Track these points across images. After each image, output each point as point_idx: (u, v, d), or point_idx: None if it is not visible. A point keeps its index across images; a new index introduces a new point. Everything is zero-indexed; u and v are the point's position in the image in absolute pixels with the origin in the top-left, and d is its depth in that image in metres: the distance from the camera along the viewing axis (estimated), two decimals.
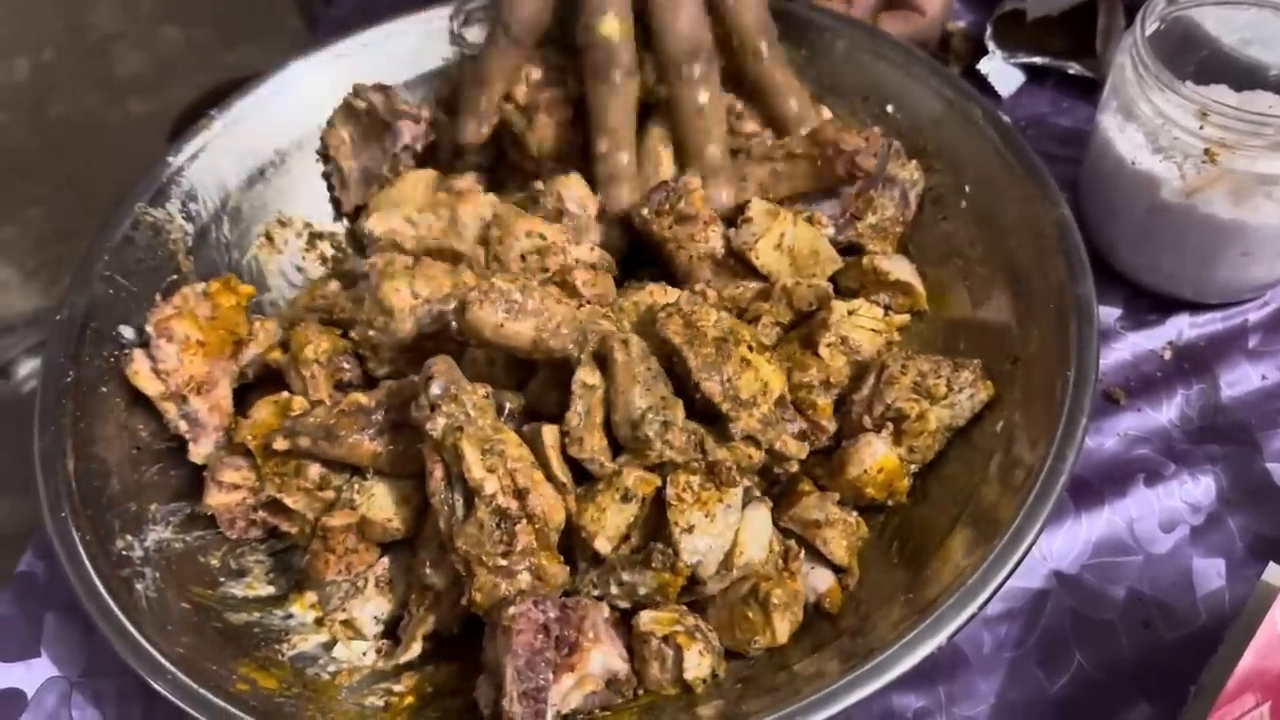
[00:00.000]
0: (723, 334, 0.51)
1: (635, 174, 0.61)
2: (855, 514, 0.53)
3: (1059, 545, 0.56)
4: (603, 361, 0.51)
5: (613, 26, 0.58)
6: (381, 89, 0.67)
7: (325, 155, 0.68)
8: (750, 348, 0.51)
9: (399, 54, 0.69)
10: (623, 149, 0.60)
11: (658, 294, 0.56)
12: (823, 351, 0.55)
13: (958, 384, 0.52)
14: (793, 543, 0.52)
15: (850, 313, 0.57)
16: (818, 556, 0.52)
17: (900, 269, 0.59)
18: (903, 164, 0.61)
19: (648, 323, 0.53)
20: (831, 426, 0.54)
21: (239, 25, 1.90)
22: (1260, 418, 0.60)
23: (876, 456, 0.52)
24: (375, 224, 0.61)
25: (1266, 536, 0.56)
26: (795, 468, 0.54)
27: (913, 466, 0.54)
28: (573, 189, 0.60)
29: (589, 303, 0.56)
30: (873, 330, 0.57)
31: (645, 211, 0.58)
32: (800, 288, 0.56)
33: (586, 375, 0.50)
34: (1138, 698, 0.51)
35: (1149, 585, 0.55)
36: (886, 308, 0.59)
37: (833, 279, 0.60)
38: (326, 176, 0.68)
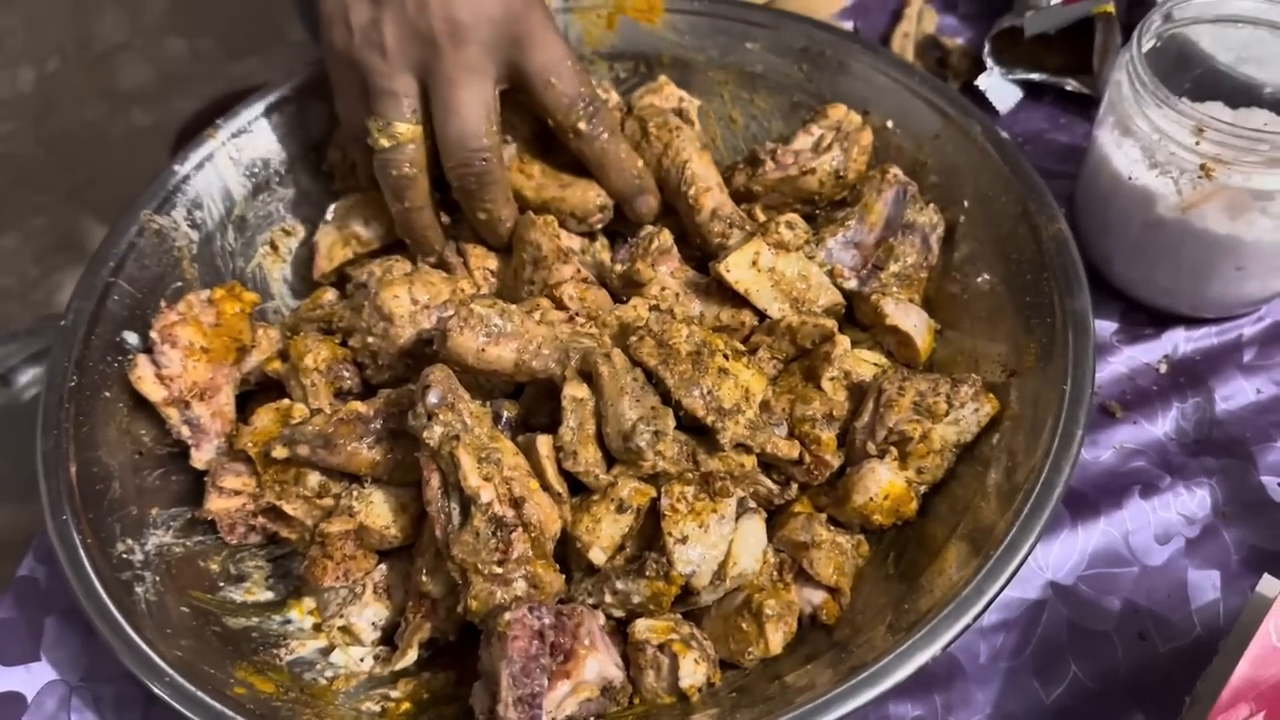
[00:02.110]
0: (696, 347, 0.51)
1: (435, 264, 0.62)
2: (859, 535, 0.53)
3: (1055, 556, 0.56)
4: (588, 377, 0.51)
5: (402, 131, 0.57)
6: None
7: (330, 173, 0.68)
8: (726, 356, 0.51)
9: None
10: (419, 245, 0.62)
11: (640, 308, 0.56)
12: (825, 385, 0.54)
13: (958, 400, 0.52)
14: (786, 555, 0.52)
15: (855, 344, 0.57)
16: (809, 576, 0.52)
17: (905, 319, 0.57)
18: (920, 208, 0.59)
19: (630, 334, 0.53)
20: (836, 461, 0.53)
21: (243, 37, 1.91)
22: (1255, 431, 0.60)
23: (881, 483, 0.52)
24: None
25: (1261, 549, 0.56)
26: (795, 492, 0.54)
27: (922, 487, 0.53)
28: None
29: (576, 315, 0.56)
30: (874, 364, 0.56)
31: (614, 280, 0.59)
32: (806, 326, 0.55)
33: (575, 390, 0.50)
34: (1133, 708, 0.52)
35: (1144, 597, 0.55)
36: (890, 352, 0.59)
37: (849, 312, 0.60)
38: (335, 195, 0.68)
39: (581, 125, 0.60)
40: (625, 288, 0.58)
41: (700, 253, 0.62)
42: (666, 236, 0.59)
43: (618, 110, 0.66)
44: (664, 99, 0.67)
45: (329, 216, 0.65)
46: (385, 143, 0.58)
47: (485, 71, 0.57)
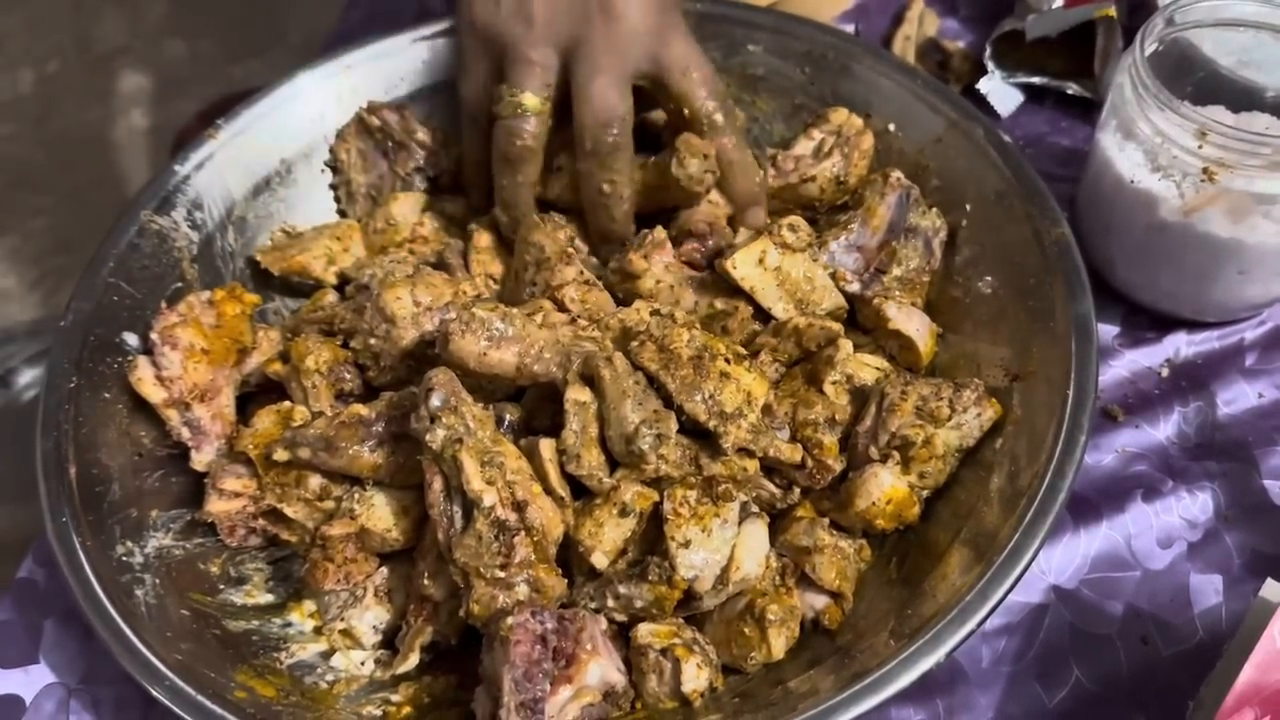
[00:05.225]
0: (697, 351, 0.51)
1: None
2: (861, 539, 0.53)
3: (1058, 560, 0.56)
4: (590, 380, 0.51)
5: (531, 101, 0.59)
6: (397, 109, 0.67)
7: (334, 167, 0.68)
8: (727, 360, 0.51)
9: (405, 67, 0.69)
10: (516, 224, 0.62)
11: (642, 311, 0.55)
12: (827, 389, 0.54)
13: (961, 405, 0.52)
14: (788, 560, 0.52)
15: (857, 348, 0.57)
16: (811, 581, 0.51)
17: (907, 322, 0.57)
18: (923, 212, 0.59)
19: (631, 337, 0.53)
20: (838, 466, 0.53)
21: (243, 40, 1.91)
22: (1257, 435, 0.60)
23: (884, 488, 0.52)
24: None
25: (1263, 553, 0.56)
26: (797, 496, 0.54)
27: (925, 492, 0.53)
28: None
29: (578, 318, 0.56)
30: (876, 369, 0.56)
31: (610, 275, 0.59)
32: (812, 328, 0.55)
33: (577, 394, 0.50)
34: (1136, 713, 0.51)
35: (1147, 601, 0.55)
36: (892, 356, 0.59)
37: (851, 315, 0.60)
38: (334, 188, 0.69)
39: (717, 117, 0.61)
40: (621, 282, 0.58)
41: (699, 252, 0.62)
42: (661, 232, 0.59)
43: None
44: None
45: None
46: (512, 110, 0.59)
47: (627, 55, 0.58)
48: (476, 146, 0.64)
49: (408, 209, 0.67)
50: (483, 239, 0.63)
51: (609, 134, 0.58)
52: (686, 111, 0.61)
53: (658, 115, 0.67)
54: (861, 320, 0.60)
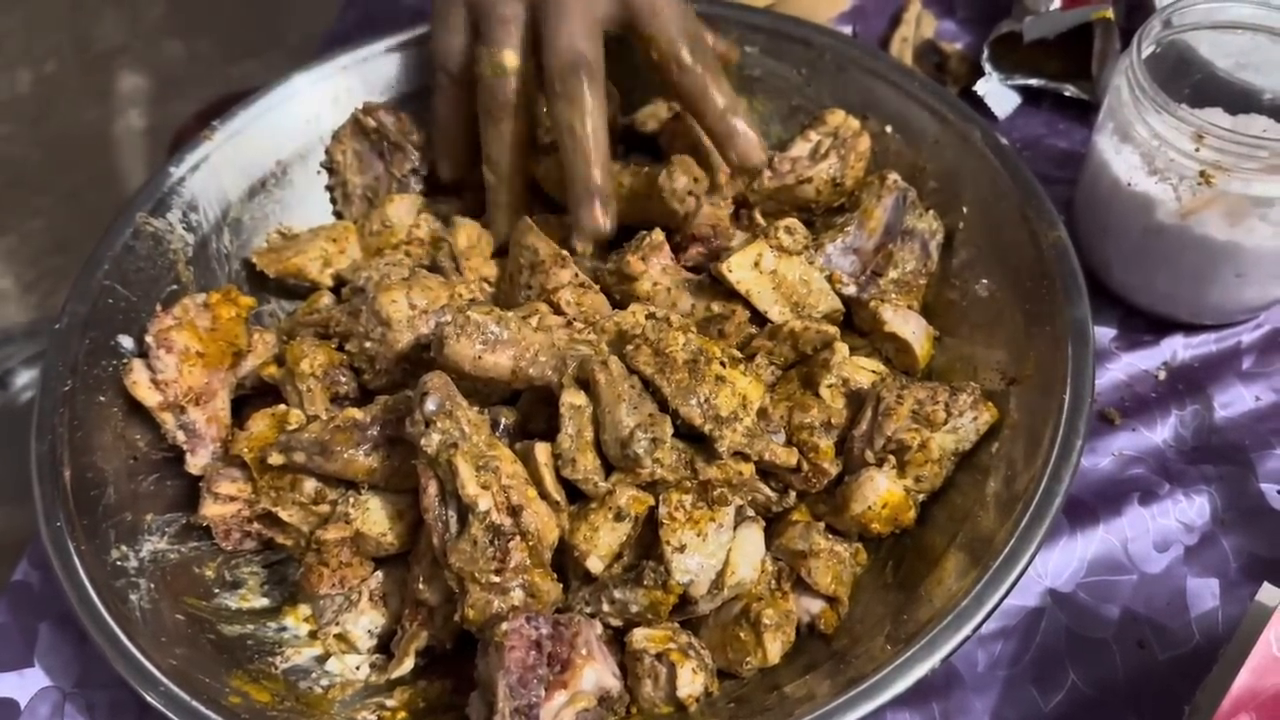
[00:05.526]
0: (692, 355, 0.51)
1: (510, 203, 0.63)
2: (857, 543, 0.53)
3: (1054, 563, 0.56)
4: (585, 384, 0.51)
5: (512, 60, 0.59)
6: (393, 110, 0.67)
7: (330, 169, 0.68)
8: (723, 363, 0.51)
9: (401, 68, 0.69)
10: (502, 181, 0.62)
11: (638, 314, 0.55)
12: (823, 392, 0.54)
13: (957, 408, 0.52)
14: (784, 564, 0.52)
15: (853, 350, 0.57)
16: (807, 585, 0.51)
17: (903, 325, 0.57)
18: (920, 214, 0.59)
19: (626, 341, 0.52)
20: (834, 469, 0.53)
21: (241, 40, 1.91)
22: (1254, 438, 0.60)
23: (879, 492, 0.51)
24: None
25: (1260, 556, 0.56)
26: (793, 500, 0.54)
27: (921, 496, 0.53)
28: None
29: (574, 321, 0.55)
30: (872, 372, 0.56)
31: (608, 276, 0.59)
32: (809, 331, 0.55)
33: (572, 397, 0.50)
34: (1131, 718, 0.51)
35: (1143, 605, 0.55)
36: (888, 359, 0.58)
37: (848, 318, 0.60)
38: (330, 189, 0.68)
39: (685, 56, 0.59)
40: (618, 284, 0.58)
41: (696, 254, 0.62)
42: (659, 234, 0.59)
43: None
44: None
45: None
46: (493, 71, 0.59)
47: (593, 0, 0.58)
48: (446, 104, 0.63)
49: (404, 211, 0.66)
50: (461, 237, 0.63)
51: (577, 74, 0.57)
52: (655, 55, 0.60)
53: (647, 115, 0.67)
54: (858, 323, 0.60)
